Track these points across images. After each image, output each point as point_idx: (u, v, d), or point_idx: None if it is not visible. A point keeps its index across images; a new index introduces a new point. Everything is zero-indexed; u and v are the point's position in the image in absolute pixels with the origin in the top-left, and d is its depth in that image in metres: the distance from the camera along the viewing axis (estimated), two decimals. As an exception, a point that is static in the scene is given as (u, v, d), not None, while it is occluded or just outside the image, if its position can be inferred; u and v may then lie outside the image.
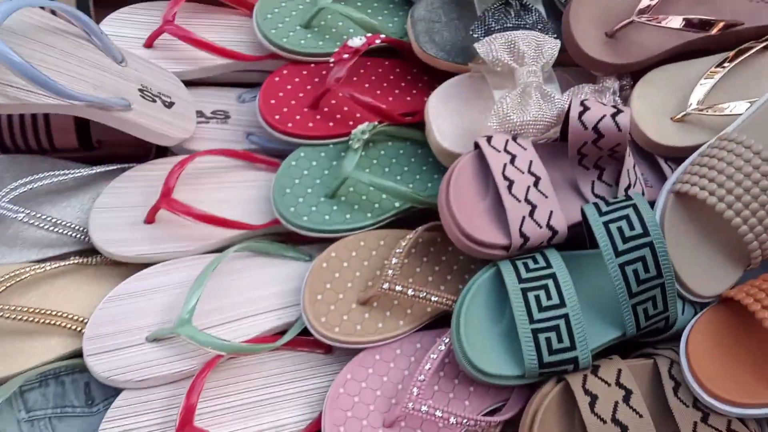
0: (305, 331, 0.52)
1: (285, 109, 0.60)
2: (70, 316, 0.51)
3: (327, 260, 0.54)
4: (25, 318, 0.49)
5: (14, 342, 0.50)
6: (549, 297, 0.48)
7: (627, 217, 0.49)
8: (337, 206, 0.57)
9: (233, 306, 0.53)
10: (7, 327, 0.50)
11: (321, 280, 0.53)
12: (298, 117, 0.60)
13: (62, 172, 0.56)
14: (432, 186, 0.60)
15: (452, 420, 0.47)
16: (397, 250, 0.53)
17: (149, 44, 0.62)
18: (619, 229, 0.48)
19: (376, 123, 0.59)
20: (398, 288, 0.51)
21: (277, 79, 0.62)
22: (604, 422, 0.45)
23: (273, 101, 0.60)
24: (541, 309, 0.48)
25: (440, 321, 0.54)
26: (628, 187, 0.54)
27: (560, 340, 0.47)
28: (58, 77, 0.50)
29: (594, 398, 0.46)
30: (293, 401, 0.51)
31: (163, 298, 0.52)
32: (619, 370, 0.48)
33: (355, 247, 0.55)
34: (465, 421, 0.47)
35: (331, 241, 0.55)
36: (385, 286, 0.51)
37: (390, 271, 0.52)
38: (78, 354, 0.51)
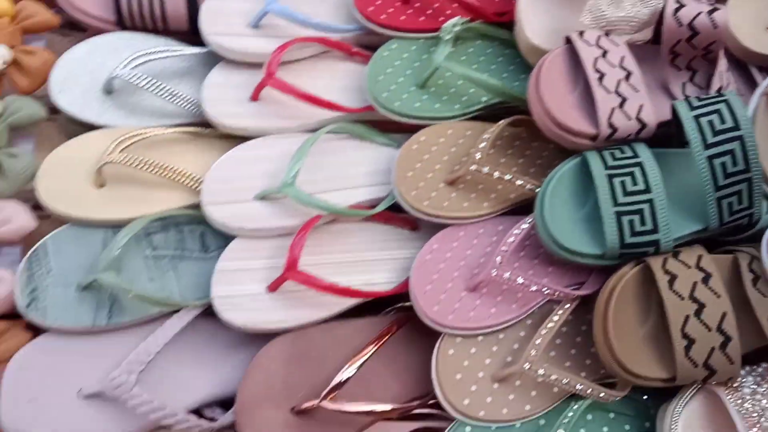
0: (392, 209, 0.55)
1: (379, 2, 0.62)
2: (189, 174, 0.55)
3: (417, 143, 0.56)
4: (151, 170, 0.54)
5: (140, 190, 0.56)
6: (635, 183, 0.49)
7: (719, 111, 0.48)
8: (427, 95, 0.59)
9: (327, 179, 0.57)
10: (135, 177, 0.55)
11: (411, 159, 0.55)
12: (391, 10, 0.62)
13: (177, 48, 0.61)
14: (518, 85, 0.60)
15: (533, 287, 0.49)
16: (484, 136, 0.54)
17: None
18: (710, 122, 0.48)
19: (468, 19, 0.60)
20: (485, 169, 0.53)
21: (368, -25, 0.63)
22: (682, 298, 0.46)
23: (367, -7, 0.62)
24: (625, 193, 0.49)
25: (522, 210, 0.55)
26: (720, 90, 0.53)
27: (643, 223, 0.48)
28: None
29: (673, 277, 0.47)
30: (382, 265, 0.55)
31: (266, 166, 0.56)
32: (700, 256, 0.48)
33: (443, 133, 0.57)
34: (545, 289, 0.49)
35: (419, 130, 0.58)
36: (473, 167, 0.53)
37: (477, 154, 0.54)
38: (194, 208, 0.55)
